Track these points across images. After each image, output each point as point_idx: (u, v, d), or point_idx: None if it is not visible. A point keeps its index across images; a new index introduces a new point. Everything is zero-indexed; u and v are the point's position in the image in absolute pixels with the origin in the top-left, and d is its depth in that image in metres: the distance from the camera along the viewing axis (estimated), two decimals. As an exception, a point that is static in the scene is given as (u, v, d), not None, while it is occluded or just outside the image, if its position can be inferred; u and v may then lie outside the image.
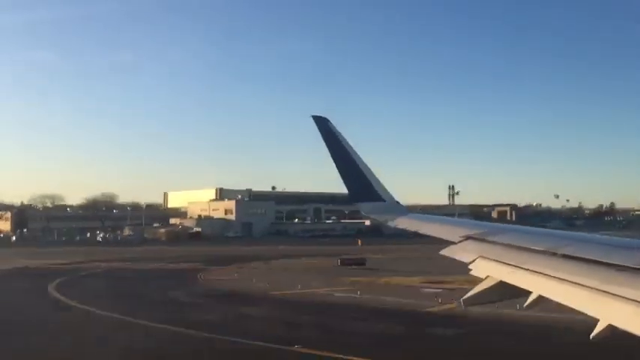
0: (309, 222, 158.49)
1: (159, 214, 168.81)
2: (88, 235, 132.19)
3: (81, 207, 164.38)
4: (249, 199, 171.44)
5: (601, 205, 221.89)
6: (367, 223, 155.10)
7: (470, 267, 6.39)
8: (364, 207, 11.37)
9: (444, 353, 25.38)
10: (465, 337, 28.12)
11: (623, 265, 4.49)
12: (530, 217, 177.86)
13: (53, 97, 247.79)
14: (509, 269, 5.71)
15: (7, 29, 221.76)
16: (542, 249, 5.75)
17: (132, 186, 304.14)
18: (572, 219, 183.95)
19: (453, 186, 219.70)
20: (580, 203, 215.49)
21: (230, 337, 26.48)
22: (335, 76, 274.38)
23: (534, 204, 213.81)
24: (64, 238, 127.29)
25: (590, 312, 4.22)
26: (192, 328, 27.95)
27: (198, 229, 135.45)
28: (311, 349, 24.01)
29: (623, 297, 4.06)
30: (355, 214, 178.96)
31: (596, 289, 4.36)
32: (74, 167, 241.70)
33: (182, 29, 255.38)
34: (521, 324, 29.04)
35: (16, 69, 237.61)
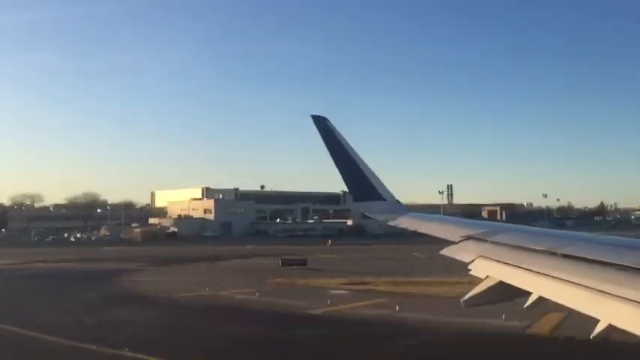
0: (290, 222, 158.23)
1: (145, 213, 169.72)
2: (66, 235, 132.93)
3: (65, 206, 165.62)
4: (237, 199, 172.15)
5: (602, 204, 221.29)
6: (349, 222, 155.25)
7: (469, 267, 6.38)
8: (365, 206, 11.44)
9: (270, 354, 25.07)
10: (321, 339, 27.95)
11: (624, 265, 4.49)
12: (521, 216, 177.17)
13: (52, 97, 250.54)
14: (509, 269, 5.73)
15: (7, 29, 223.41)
16: (542, 249, 5.75)
17: (124, 185, 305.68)
18: (561, 219, 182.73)
19: (450, 185, 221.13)
20: (569, 202, 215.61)
21: (66, 339, 26.53)
22: (331, 76, 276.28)
23: (525, 204, 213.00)
24: (36, 239, 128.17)
25: (591, 312, 4.22)
26: (38, 330, 28.08)
27: (175, 229, 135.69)
28: (137, 352, 23.91)
29: (624, 297, 4.06)
30: (341, 214, 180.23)
31: (597, 290, 4.35)
32: (65, 167, 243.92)
33: (182, 29, 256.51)
34: (391, 325, 29.67)
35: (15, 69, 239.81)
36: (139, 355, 23.60)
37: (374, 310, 35.35)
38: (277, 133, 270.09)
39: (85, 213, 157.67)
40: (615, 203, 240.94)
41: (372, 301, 38.46)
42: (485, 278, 5.90)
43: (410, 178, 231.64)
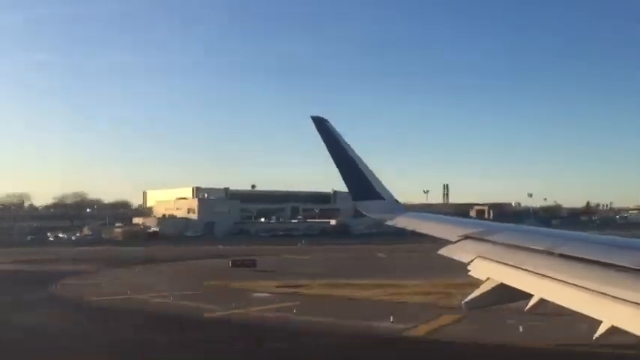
0: (274, 221, 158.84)
1: (137, 213, 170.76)
2: (48, 234, 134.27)
3: (54, 206, 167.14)
4: (227, 198, 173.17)
5: (588, 204, 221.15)
6: (332, 222, 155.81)
7: (468, 267, 6.39)
8: (363, 206, 11.70)
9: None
10: (178, 342, 28.89)
11: (624, 266, 4.50)
12: (509, 216, 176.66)
13: (51, 96, 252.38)
14: (509, 271, 5.71)
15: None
16: (541, 249, 5.76)
17: (122, 185, 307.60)
18: (547, 218, 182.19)
19: (447, 185, 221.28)
20: (555, 201, 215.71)
21: None
22: (330, 75, 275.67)
23: (513, 203, 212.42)
24: (16, 238, 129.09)
25: (593, 314, 4.27)
26: None
27: (156, 229, 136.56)
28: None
29: (625, 299, 4.09)
30: (331, 213, 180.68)
31: (598, 292, 4.39)
32: (62, 167, 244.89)
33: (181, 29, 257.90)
34: (273, 328, 30.76)
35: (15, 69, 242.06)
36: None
37: (275, 313, 36.17)
38: (273, 133, 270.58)
39: (74, 212, 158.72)
40: (611, 202, 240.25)
41: (283, 304, 39.29)
42: (485, 280, 5.92)
43: (406, 177, 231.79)
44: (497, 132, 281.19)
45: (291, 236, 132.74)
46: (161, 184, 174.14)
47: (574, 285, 4.70)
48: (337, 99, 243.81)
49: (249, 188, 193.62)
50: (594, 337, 4.23)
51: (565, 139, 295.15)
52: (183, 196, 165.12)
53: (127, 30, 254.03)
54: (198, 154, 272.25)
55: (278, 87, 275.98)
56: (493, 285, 5.73)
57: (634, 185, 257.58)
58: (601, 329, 4.15)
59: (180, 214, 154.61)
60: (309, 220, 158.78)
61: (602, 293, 4.36)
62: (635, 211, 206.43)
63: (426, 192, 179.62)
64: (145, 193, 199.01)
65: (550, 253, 5.51)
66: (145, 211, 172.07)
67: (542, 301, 5.01)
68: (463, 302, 6.06)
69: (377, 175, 11.75)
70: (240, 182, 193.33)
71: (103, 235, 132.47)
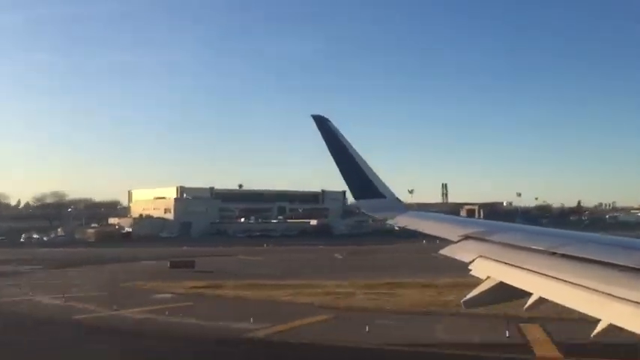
0: (252, 221, 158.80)
1: (114, 213, 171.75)
2: (23, 235, 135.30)
3: (38, 206, 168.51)
4: (212, 198, 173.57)
5: (579, 204, 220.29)
6: (313, 222, 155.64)
7: (469, 267, 6.49)
8: (364, 204, 11.84)
9: None
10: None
11: (623, 266, 4.57)
12: (500, 215, 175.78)
13: (50, 96, 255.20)
14: (509, 270, 5.80)
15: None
16: (542, 248, 5.83)
17: (118, 185, 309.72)
18: (537, 217, 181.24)
19: (445, 184, 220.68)
20: (544, 201, 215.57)
21: None
22: (327, 75, 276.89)
23: (505, 202, 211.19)
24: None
25: (591, 312, 4.35)
26: None
27: (129, 230, 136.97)
28: None
29: (625, 298, 4.16)
30: (320, 212, 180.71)
31: (596, 290, 4.46)
32: (60, 166, 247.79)
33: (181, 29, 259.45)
34: (128, 330, 30.67)
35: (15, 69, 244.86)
36: None
37: (149, 315, 36.16)
38: (271, 133, 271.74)
39: (54, 212, 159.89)
40: (614, 202, 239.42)
41: (175, 305, 39.68)
42: (485, 279, 5.98)
43: (405, 177, 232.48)
44: (496, 132, 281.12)
45: (269, 237, 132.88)
46: (157, 183, 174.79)
47: (572, 284, 4.78)
48: (336, 99, 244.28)
49: (237, 187, 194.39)
50: (592, 335, 4.29)
51: (565, 139, 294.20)
52: (161, 196, 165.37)
53: (127, 30, 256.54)
54: (196, 154, 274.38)
55: (276, 87, 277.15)
56: (492, 284, 5.82)
57: (637, 185, 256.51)
58: (599, 327, 4.21)
59: (157, 213, 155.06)
60: (289, 221, 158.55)
61: (600, 292, 4.43)
62: (638, 211, 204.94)
63: (411, 192, 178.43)
64: (130, 193, 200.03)
65: (550, 253, 5.61)
66: (122, 211, 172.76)
67: (540, 299, 5.07)
68: (462, 301, 6.12)
69: (378, 174, 11.82)
70: (238, 182, 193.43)
71: (77, 236, 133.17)
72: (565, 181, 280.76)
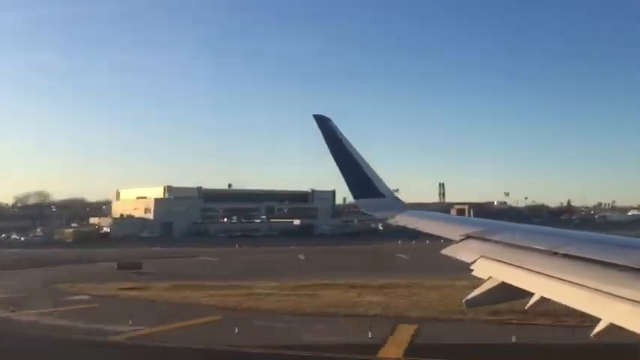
0: (235, 221, 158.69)
1: (105, 212, 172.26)
2: (3, 235, 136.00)
3: (20, 207, 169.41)
4: (199, 198, 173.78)
5: (569, 203, 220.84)
6: (296, 222, 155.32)
7: (471, 267, 6.54)
8: (364, 204, 11.98)
9: None
10: None
11: (625, 265, 4.62)
12: (490, 215, 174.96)
13: (51, 96, 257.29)
14: (510, 270, 5.86)
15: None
16: (543, 248, 5.87)
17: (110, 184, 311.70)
18: (528, 217, 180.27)
19: (442, 184, 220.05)
20: (533, 200, 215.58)
21: None
22: (326, 75, 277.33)
23: (496, 202, 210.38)
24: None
25: (592, 312, 4.40)
26: None
27: (107, 230, 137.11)
28: None
29: (626, 298, 4.20)
30: (309, 212, 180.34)
31: (598, 290, 4.50)
32: (55, 166, 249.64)
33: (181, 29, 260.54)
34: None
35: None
36: None
37: (40, 317, 35.70)
38: (268, 133, 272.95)
39: (37, 212, 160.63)
40: (613, 201, 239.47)
41: (82, 306, 39.81)
42: (487, 279, 6.01)
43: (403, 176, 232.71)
44: (496, 132, 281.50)
45: (250, 236, 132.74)
46: (153, 183, 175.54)
47: (574, 283, 4.82)
48: (337, 99, 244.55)
49: (226, 187, 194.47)
50: (592, 335, 4.30)
51: (565, 139, 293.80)
52: (143, 196, 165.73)
53: (127, 30, 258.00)
54: (195, 154, 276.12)
55: (276, 87, 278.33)
56: (494, 284, 5.86)
57: (636, 184, 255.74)
58: (599, 327, 4.25)
59: (138, 213, 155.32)
60: (272, 220, 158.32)
61: (601, 291, 4.46)
62: (637, 211, 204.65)
63: (395, 190, 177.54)
64: (118, 193, 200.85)
65: (552, 253, 5.64)
66: (107, 211, 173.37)
67: (542, 299, 5.10)
68: (464, 300, 6.12)
69: (378, 174, 11.90)
70: (238, 182, 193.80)
71: (55, 237, 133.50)
72: (565, 181, 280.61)
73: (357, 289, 46.18)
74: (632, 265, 4.53)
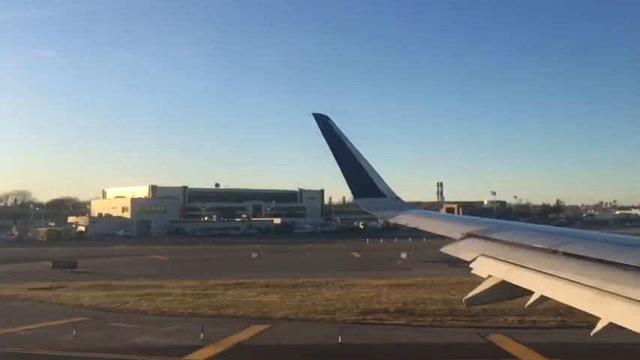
0: (215, 220, 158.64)
1: (85, 211, 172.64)
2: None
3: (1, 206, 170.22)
4: (185, 197, 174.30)
5: (558, 202, 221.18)
6: (276, 221, 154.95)
7: (471, 265, 6.58)
8: (364, 203, 12.02)
9: None
10: None
11: (625, 264, 4.64)
12: (480, 214, 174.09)
13: (53, 94, 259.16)
14: (510, 268, 5.87)
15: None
16: (544, 247, 5.90)
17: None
18: (516, 216, 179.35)
19: (441, 183, 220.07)
20: (521, 199, 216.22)
21: None
22: (325, 75, 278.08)
23: (485, 202, 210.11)
24: None
25: (591, 311, 4.41)
26: None
27: (82, 229, 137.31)
28: None
29: (626, 296, 4.20)
30: (296, 211, 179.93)
31: (599, 289, 4.50)
32: (51, 165, 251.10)
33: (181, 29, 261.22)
34: None
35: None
36: None
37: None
38: (267, 133, 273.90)
39: (18, 211, 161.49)
40: (614, 201, 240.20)
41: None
42: (487, 277, 6.01)
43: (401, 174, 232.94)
44: (496, 132, 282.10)
45: (227, 235, 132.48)
46: (143, 182, 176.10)
47: (574, 282, 4.81)
48: (336, 98, 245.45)
49: (213, 187, 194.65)
50: (592, 334, 4.27)
51: (565, 139, 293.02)
52: (121, 195, 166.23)
53: (119, 28, 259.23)
54: (190, 153, 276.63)
55: (275, 87, 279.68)
56: (494, 282, 5.86)
57: (637, 184, 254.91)
58: (599, 326, 4.23)
59: (116, 213, 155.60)
60: (253, 219, 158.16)
61: (601, 290, 4.44)
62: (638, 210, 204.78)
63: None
64: (104, 192, 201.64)
65: (552, 251, 5.66)
66: (82, 210, 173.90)
67: (542, 298, 5.10)
68: (464, 299, 6.10)
69: (380, 173, 11.91)
70: (234, 181, 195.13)
71: (29, 235, 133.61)
72: (566, 181, 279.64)
73: (269, 287, 45.24)
74: (632, 264, 4.51)
